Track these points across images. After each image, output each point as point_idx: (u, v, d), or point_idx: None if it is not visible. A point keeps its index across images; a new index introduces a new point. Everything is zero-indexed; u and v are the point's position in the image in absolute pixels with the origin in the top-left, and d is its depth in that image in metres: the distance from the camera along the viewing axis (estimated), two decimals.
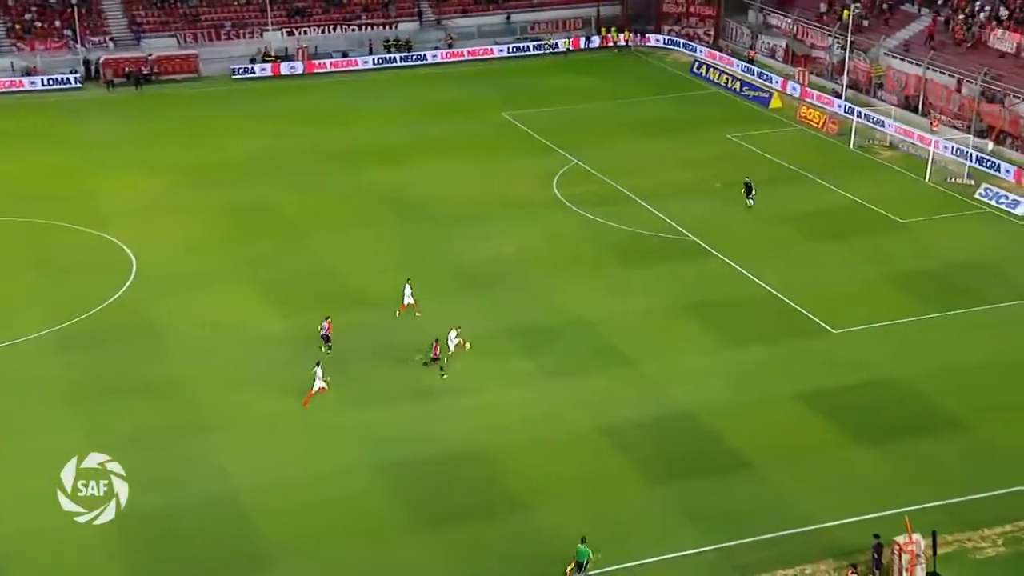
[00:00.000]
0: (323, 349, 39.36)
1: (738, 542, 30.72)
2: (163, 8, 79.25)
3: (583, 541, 29.40)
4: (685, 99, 71.72)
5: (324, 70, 77.07)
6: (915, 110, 65.47)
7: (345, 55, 79.07)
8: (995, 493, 32.61)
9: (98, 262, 47.43)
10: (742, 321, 42.36)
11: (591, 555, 29.08)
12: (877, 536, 29.80)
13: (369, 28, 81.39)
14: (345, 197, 54.81)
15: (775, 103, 69.47)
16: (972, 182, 55.99)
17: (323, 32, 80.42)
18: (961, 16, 68.52)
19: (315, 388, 36.81)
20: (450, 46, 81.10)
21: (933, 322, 42.55)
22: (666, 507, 31.75)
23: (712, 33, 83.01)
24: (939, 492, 32.60)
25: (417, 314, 42.21)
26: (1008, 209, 53.01)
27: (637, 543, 30.56)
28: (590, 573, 29.15)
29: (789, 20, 76.95)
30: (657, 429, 35.80)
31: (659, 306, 43.69)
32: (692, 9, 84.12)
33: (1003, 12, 66.56)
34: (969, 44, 66.69)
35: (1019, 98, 60.20)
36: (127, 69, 73.91)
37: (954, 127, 62.24)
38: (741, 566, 29.97)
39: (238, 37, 78.74)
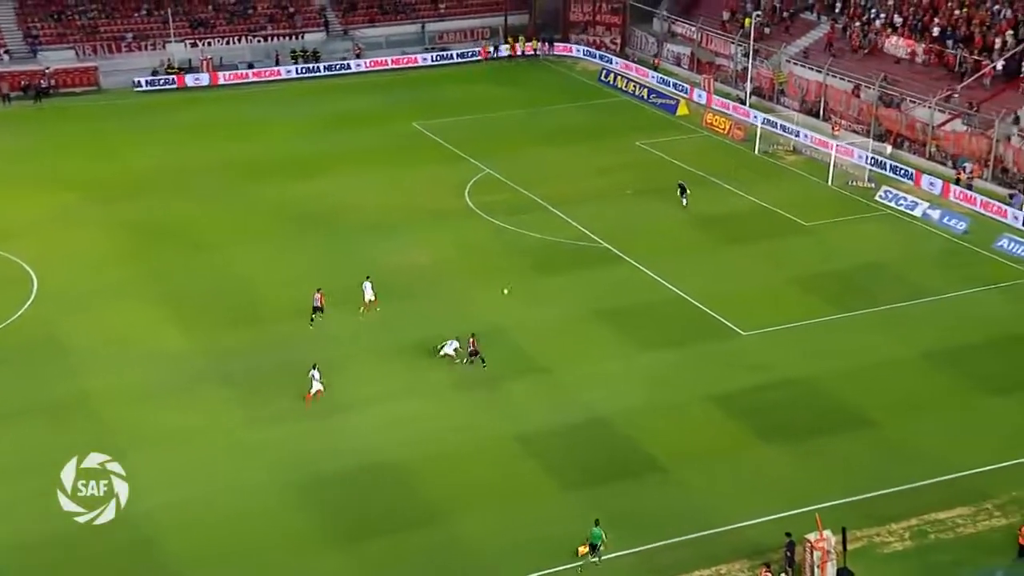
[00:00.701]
0: (312, 319, 40.35)
1: (655, 545, 31.04)
2: (60, 20, 77.44)
3: (597, 523, 30.22)
4: (594, 107, 72.41)
5: (230, 82, 76.20)
6: (817, 115, 67.04)
7: (251, 66, 78.24)
8: (901, 488, 33.48)
9: None
10: (654, 326, 42.87)
11: (604, 537, 29.87)
12: (789, 534, 30.39)
13: (275, 39, 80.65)
14: (253, 210, 54.18)
15: (682, 110, 70.51)
16: (872, 185, 57.48)
17: (227, 43, 79.47)
18: (858, 24, 70.40)
19: (313, 390, 36.82)
20: (358, 56, 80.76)
21: (838, 322, 43.55)
22: (583, 513, 31.95)
23: (619, 41, 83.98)
24: (848, 489, 33.33)
25: (377, 309, 43.08)
26: (907, 211, 54.53)
27: (555, 550, 30.67)
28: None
29: (693, 28, 78.18)
30: (572, 436, 36.02)
31: (573, 313, 44.00)
32: (599, 18, 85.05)
33: (897, 19, 68.57)
34: (866, 51, 68.52)
35: (915, 102, 62.03)
36: (24, 83, 72.07)
37: (854, 132, 63.84)
38: (658, 569, 30.29)
39: (140, 49, 77.38)
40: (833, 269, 48.24)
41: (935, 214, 53.61)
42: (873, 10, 70.79)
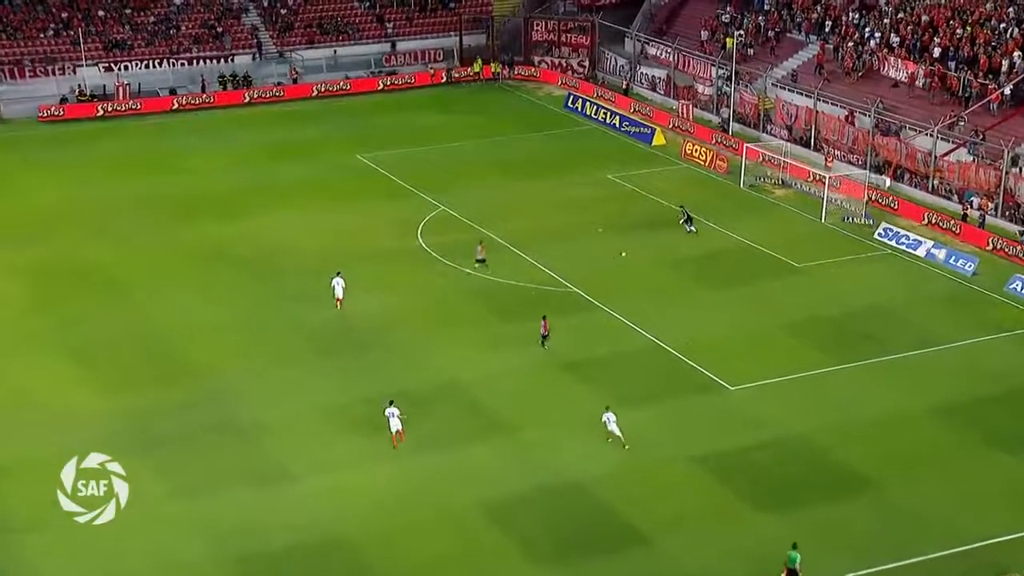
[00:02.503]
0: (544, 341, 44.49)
1: None
2: None
3: (794, 547, 31.88)
4: (560, 136, 73.18)
5: (149, 110, 76.25)
6: (808, 144, 68.12)
7: (173, 92, 78.36)
8: (912, 561, 33.57)
9: None
10: (630, 379, 43.13)
11: (800, 559, 31.83)
12: None
13: (201, 62, 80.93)
14: (176, 252, 54.14)
15: (658, 139, 71.41)
16: (871, 222, 58.42)
17: (147, 67, 79.53)
18: (851, 44, 71.74)
19: (394, 430, 38.01)
20: (295, 81, 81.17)
21: (835, 374, 44.05)
22: None
23: (587, 64, 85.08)
24: (853, 561, 33.49)
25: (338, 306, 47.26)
26: (909, 250, 55.42)
27: None
28: None
29: (669, 49, 79.41)
30: (543, 503, 36.08)
31: (539, 365, 44.20)
32: (564, 38, 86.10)
33: (895, 39, 69.94)
34: (860, 73, 69.86)
35: (915, 130, 63.20)
36: None
37: (849, 163, 64.94)
38: None
39: (46, 74, 77.22)
40: (829, 315, 48.85)
41: (940, 254, 54.53)
42: (867, 29, 72.18)
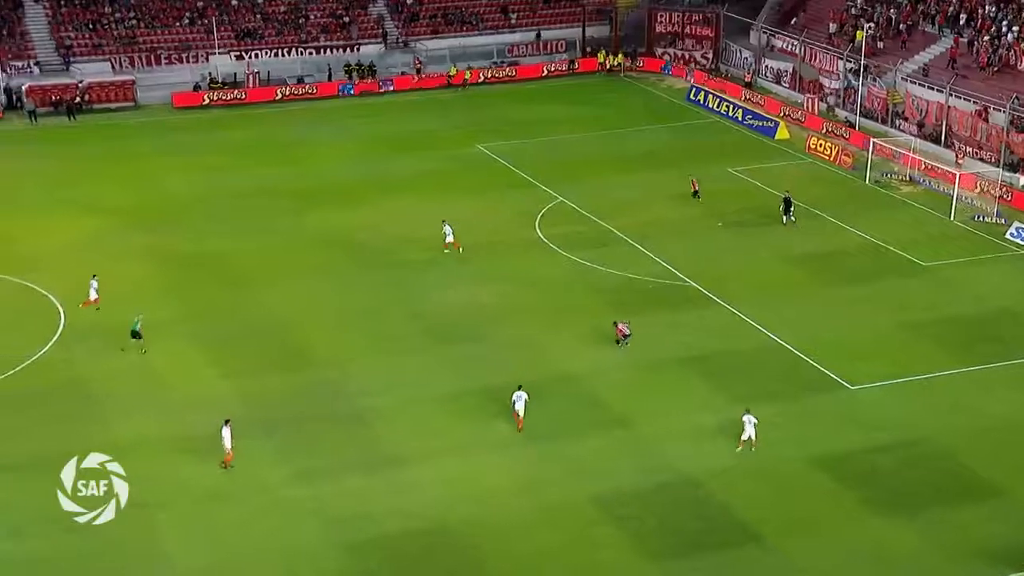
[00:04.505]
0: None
1: None
2: (95, 30, 79.40)
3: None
4: (682, 129, 72.40)
5: (277, 98, 77.42)
6: (937, 141, 66.21)
7: (301, 81, 79.42)
8: None
9: (20, 314, 47.03)
10: (748, 376, 42.39)
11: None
12: None
13: (328, 51, 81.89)
14: (297, 242, 54.71)
15: (782, 133, 70.14)
16: (1003, 221, 56.52)
17: (276, 56, 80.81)
18: (987, 37, 69.53)
19: (521, 412, 38.60)
20: (418, 71, 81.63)
21: (962, 376, 42.72)
22: None
23: (710, 56, 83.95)
24: (977, 570, 32.45)
25: (460, 250, 51.67)
26: None
27: None
28: None
29: (796, 42, 77.89)
30: (657, 498, 35.61)
31: (655, 359, 43.67)
32: (688, 30, 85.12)
33: None
34: (996, 68, 67.65)
35: None
36: (54, 97, 73.89)
37: (981, 160, 62.93)
38: None
39: (181, 62, 79.01)
40: (956, 315, 47.41)
41: None
42: (1005, 22, 69.86)
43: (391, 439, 38.43)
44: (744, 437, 37.79)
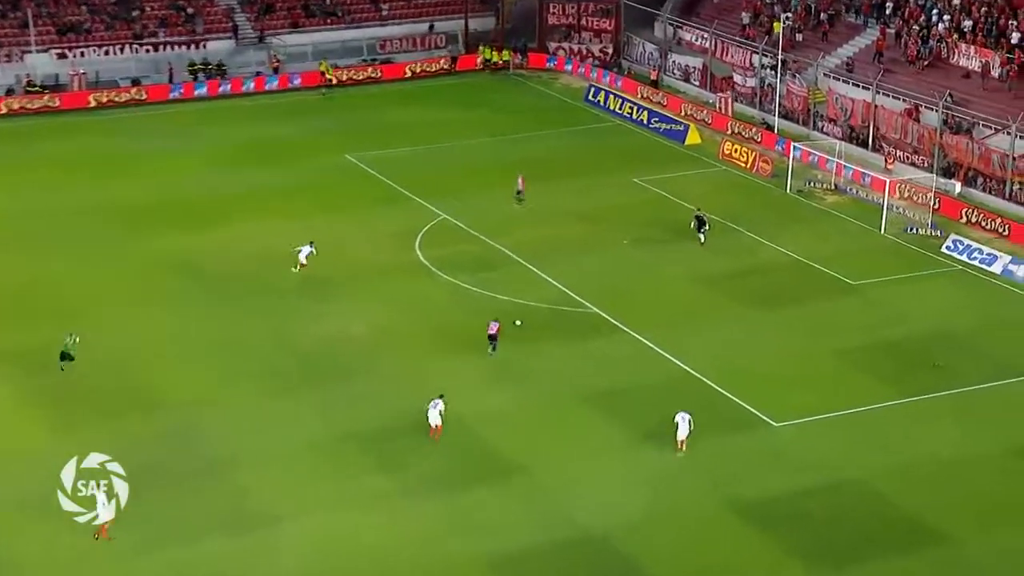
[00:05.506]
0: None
1: None
2: None
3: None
4: (579, 134, 73.26)
5: (109, 103, 76.57)
6: (864, 144, 67.98)
7: (136, 83, 78.60)
8: None
9: None
10: (660, 414, 42.69)
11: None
12: None
13: (168, 48, 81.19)
14: (138, 268, 54.20)
15: (692, 138, 71.40)
16: (938, 233, 58.20)
17: (107, 54, 79.88)
18: (916, 28, 71.61)
19: (433, 423, 40.77)
20: (276, 70, 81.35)
21: (897, 409, 43.78)
22: None
23: (610, 51, 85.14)
24: None
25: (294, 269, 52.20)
26: (983, 266, 55.20)
27: None
28: None
29: (706, 35, 79.41)
30: (560, 556, 35.85)
31: (553, 397, 44.06)
32: (585, 21, 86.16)
33: (966, 23, 69.74)
34: (926, 62, 69.74)
35: (991, 128, 63.00)
36: None
37: (913, 165, 64.75)
38: None
39: None
40: (890, 339, 48.65)
41: (1019, 270, 54.31)
42: (935, 11, 72.01)
43: (256, 494, 38.18)
44: (681, 437, 39.36)
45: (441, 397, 41.01)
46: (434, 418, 40.63)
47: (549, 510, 37.92)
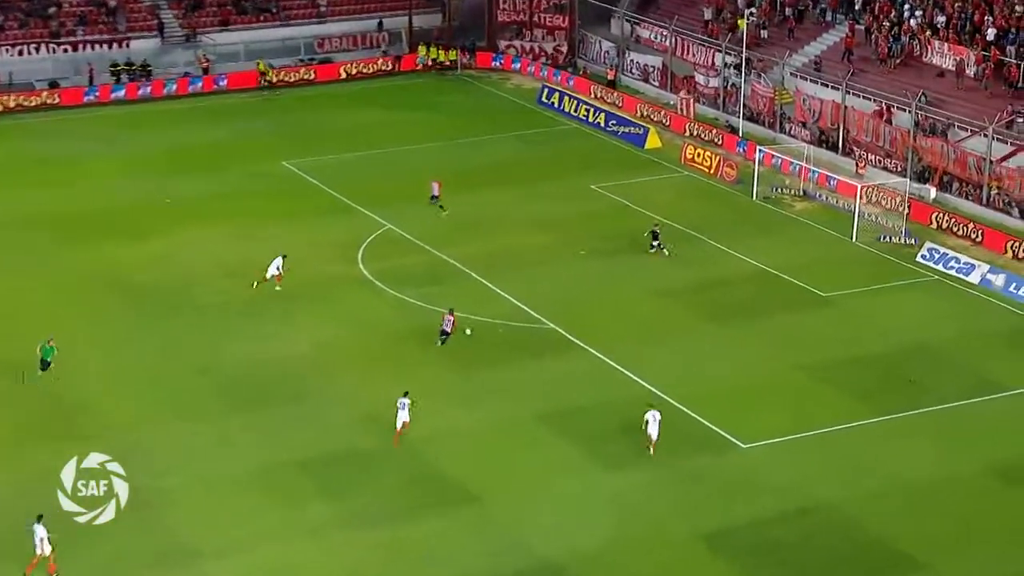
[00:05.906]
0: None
1: None
2: None
3: None
4: (532, 138, 73.42)
5: (23, 107, 76.05)
6: (834, 147, 68.46)
7: (54, 85, 78.08)
8: None
9: None
10: (620, 436, 42.93)
11: None
12: None
13: (88, 47, 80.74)
14: (59, 283, 53.91)
15: (652, 142, 71.70)
16: (913, 241, 58.69)
17: (21, 54, 79.34)
18: (887, 25, 72.25)
19: (399, 423, 42.00)
20: (205, 71, 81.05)
21: (871, 428, 44.06)
22: None
23: (564, 50, 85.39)
24: None
25: (277, 288, 51.99)
26: (961, 276, 55.68)
27: None
28: None
29: (666, 32, 79.78)
30: None
31: (507, 418, 44.07)
32: (538, 18, 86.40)
33: (939, 19, 70.47)
34: (898, 60, 70.38)
35: (966, 130, 63.60)
36: None
37: (885, 169, 65.26)
38: None
39: None
40: (863, 355, 48.99)
41: (998, 280, 54.82)
42: (906, 6, 72.69)
43: (186, 528, 37.91)
44: (654, 437, 40.14)
45: (406, 395, 41.93)
46: (403, 416, 41.68)
47: (502, 538, 37.89)
